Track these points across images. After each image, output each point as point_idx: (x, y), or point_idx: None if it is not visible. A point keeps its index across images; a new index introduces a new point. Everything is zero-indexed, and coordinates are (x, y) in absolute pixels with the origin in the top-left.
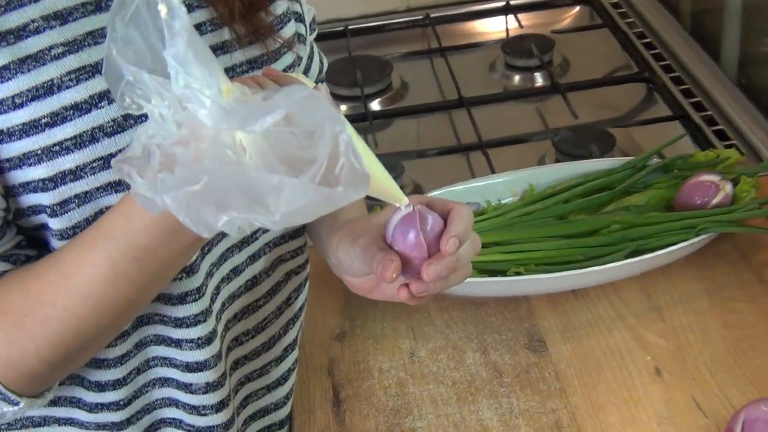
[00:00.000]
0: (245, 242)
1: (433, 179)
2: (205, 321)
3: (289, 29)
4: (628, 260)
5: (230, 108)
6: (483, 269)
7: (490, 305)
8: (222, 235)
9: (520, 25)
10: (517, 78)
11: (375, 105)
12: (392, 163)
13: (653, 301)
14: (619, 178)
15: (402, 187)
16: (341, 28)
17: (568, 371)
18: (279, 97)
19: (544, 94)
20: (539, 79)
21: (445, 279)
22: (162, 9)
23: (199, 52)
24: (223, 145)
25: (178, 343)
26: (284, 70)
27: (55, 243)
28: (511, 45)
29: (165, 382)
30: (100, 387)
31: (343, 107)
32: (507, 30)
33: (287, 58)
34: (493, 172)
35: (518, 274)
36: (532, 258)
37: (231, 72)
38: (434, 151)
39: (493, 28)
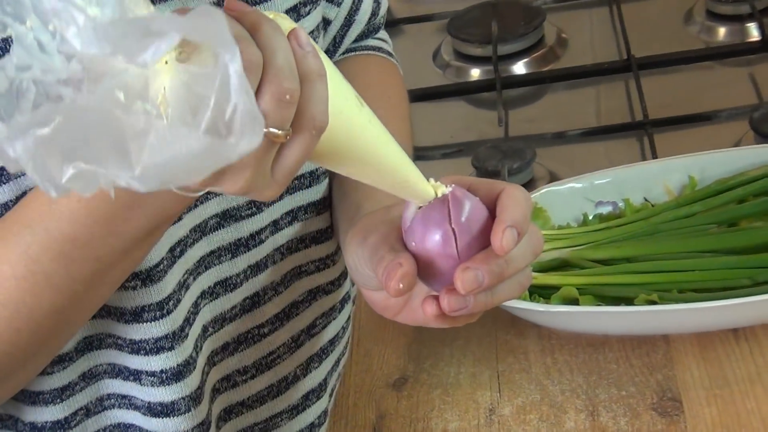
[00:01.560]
0: (242, 245)
1: (572, 170)
2: (171, 348)
3: None
4: None
5: (106, 28)
6: (605, 295)
7: (612, 346)
8: (200, 232)
9: None
10: (721, 31)
11: (518, 68)
12: (520, 148)
13: None
14: None
15: (531, 183)
16: None
17: None
18: (168, 15)
19: (752, 54)
20: (754, 32)
21: (491, 291)
22: None
23: None
24: (122, 86)
25: (137, 376)
26: (295, 6)
27: None
28: None
29: (126, 430)
30: (36, 431)
31: (474, 72)
32: None
33: None
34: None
35: (652, 303)
36: (675, 281)
37: None
38: (576, 133)
39: None
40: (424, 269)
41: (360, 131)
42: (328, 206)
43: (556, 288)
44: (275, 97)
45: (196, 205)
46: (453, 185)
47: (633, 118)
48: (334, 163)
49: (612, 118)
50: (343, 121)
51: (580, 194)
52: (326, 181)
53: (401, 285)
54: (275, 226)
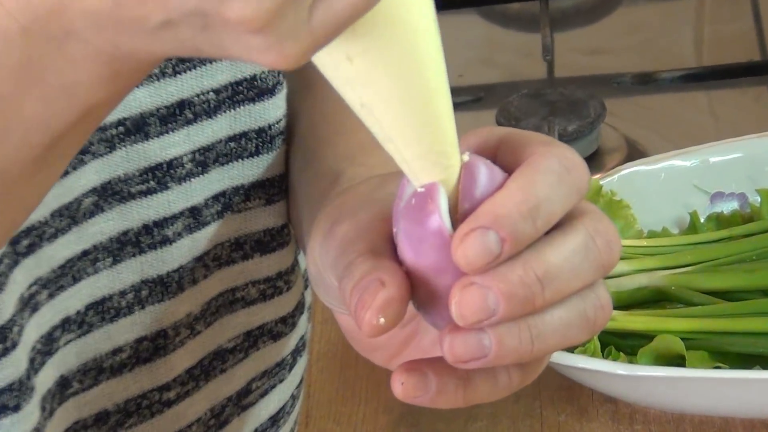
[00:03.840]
0: (129, 242)
1: (665, 138)
2: (17, 408)
3: None
4: None
5: None
6: (726, 351)
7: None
8: (69, 218)
9: None
10: None
11: None
12: (578, 98)
13: None
14: None
15: (595, 157)
16: None
17: None
18: None
19: None
20: None
21: (529, 330)
22: None
23: None
24: None
25: None
26: None
27: None
28: None
29: None
30: None
31: None
32: None
33: None
34: None
35: None
36: None
37: None
38: (671, 76)
39: None
40: (421, 290)
41: (419, 25)
42: (284, 192)
43: (646, 337)
44: None
45: (66, 173)
46: (469, 154)
47: (766, 54)
48: (367, 62)
49: (729, 53)
50: None
51: (685, 180)
52: (283, 148)
53: (381, 319)
54: (194, 217)
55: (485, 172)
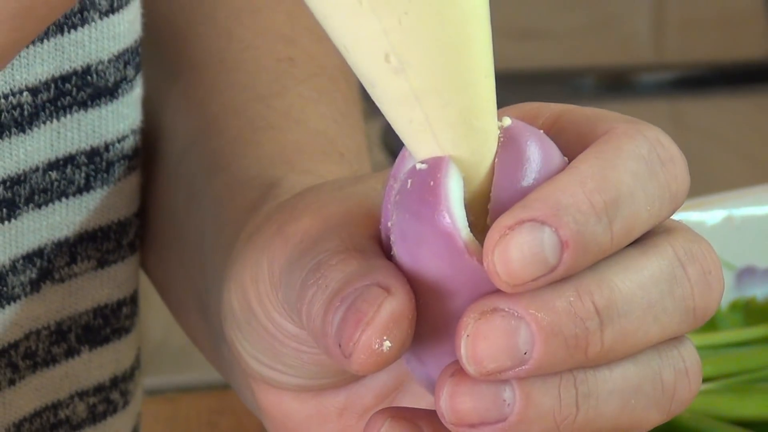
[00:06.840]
0: None
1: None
2: None
3: None
4: None
5: None
6: None
7: None
8: None
9: None
10: None
11: None
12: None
13: None
14: None
15: None
16: None
17: None
18: None
19: None
20: None
21: (575, 387)
22: None
23: None
24: None
25: None
26: None
27: None
28: None
29: None
30: None
31: None
32: None
33: None
34: None
35: None
36: None
37: None
38: (665, 78)
39: None
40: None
41: None
42: (126, 248)
43: None
44: None
45: None
46: (511, 119)
47: None
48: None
49: (740, 44)
50: None
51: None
52: (130, 181)
53: (387, 343)
54: None
55: (536, 146)
